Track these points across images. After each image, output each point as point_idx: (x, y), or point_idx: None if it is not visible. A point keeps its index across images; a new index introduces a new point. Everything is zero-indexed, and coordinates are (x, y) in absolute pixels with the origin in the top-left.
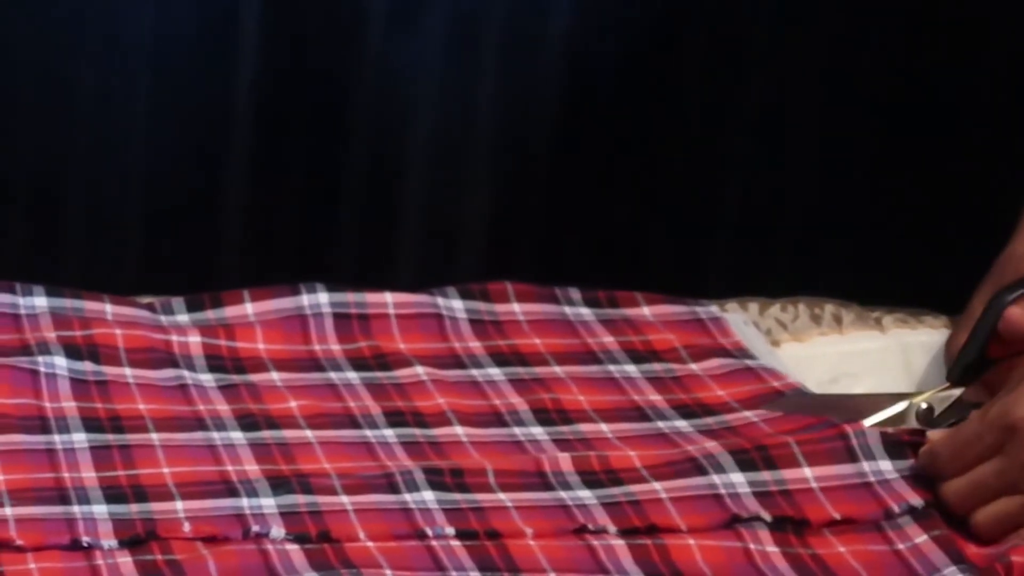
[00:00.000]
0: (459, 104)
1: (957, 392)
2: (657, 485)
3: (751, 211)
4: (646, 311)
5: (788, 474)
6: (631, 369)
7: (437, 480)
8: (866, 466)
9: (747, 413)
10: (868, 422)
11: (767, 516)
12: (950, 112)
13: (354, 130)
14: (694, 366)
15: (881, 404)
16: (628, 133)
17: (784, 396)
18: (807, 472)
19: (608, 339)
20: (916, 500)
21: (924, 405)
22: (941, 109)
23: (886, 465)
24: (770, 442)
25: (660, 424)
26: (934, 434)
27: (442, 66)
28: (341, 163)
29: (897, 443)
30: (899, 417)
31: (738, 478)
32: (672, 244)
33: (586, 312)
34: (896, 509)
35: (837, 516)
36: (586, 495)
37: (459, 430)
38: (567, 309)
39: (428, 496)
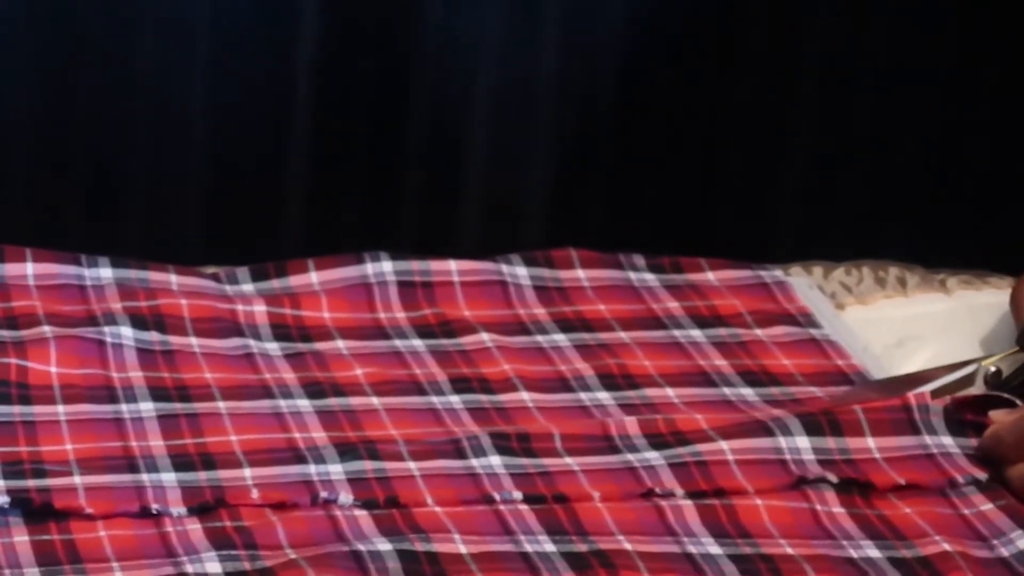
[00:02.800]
0: (520, 73)
1: None
2: (724, 444)
3: (815, 175)
4: (711, 276)
5: (852, 442)
6: (696, 334)
7: (504, 445)
8: (928, 439)
9: (813, 388)
10: (934, 385)
11: (833, 478)
12: (1012, 74)
13: (416, 100)
14: (759, 332)
15: (947, 370)
16: (690, 100)
17: (852, 386)
18: (870, 442)
19: (673, 304)
20: (980, 474)
21: (992, 368)
22: (1002, 73)
23: (948, 440)
24: (838, 409)
25: (726, 390)
26: (997, 415)
27: (503, 35)
28: (403, 132)
29: (959, 422)
30: (967, 380)
31: (803, 442)
32: (736, 209)
33: (651, 278)
34: (960, 480)
35: (902, 481)
36: (653, 456)
37: (525, 396)
38: (632, 275)
39: (495, 461)
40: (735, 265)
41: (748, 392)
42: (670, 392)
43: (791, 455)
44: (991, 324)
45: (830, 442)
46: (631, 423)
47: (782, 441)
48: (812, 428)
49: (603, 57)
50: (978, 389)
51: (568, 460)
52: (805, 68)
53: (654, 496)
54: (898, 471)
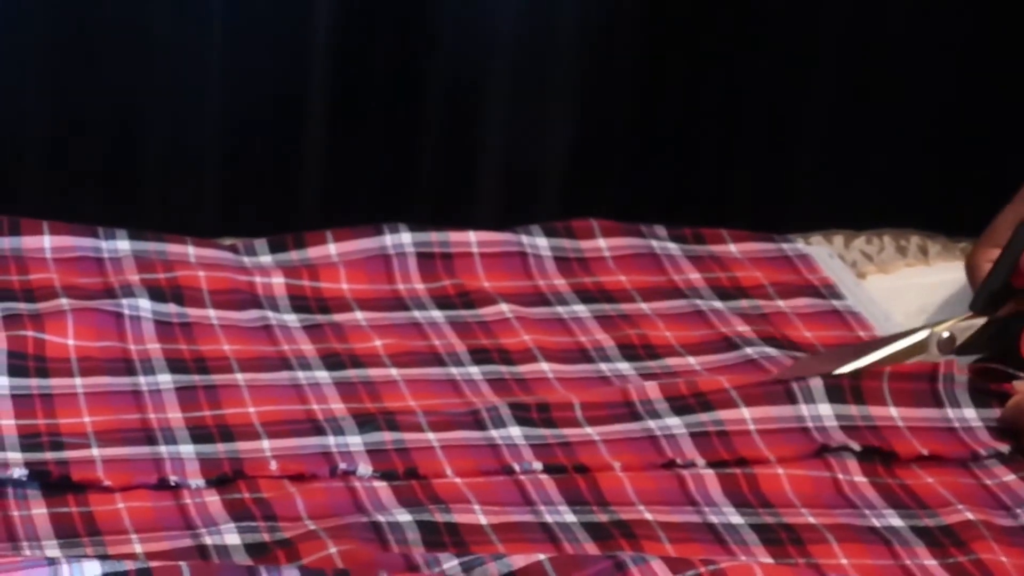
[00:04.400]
0: (539, 43)
1: (980, 321)
2: (746, 413)
3: (835, 143)
4: (732, 248)
5: (875, 411)
6: (718, 305)
7: (523, 416)
8: (950, 412)
9: None
10: (887, 351)
11: (856, 446)
12: None
13: (434, 70)
14: (781, 303)
15: (899, 337)
16: (710, 70)
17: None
18: (893, 411)
19: (695, 275)
20: (1003, 447)
21: (946, 334)
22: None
23: (971, 413)
24: (863, 377)
25: (749, 350)
26: (1021, 385)
27: (522, 6)
28: (421, 102)
29: (983, 392)
30: (919, 346)
31: (826, 409)
32: (756, 177)
33: (672, 247)
34: (983, 452)
35: (924, 452)
36: (674, 423)
37: (545, 366)
38: (654, 243)
39: (515, 432)
40: (757, 237)
41: (773, 351)
42: (691, 360)
43: (813, 423)
44: None
45: (852, 409)
46: (652, 387)
47: (804, 409)
48: (835, 395)
49: (622, 28)
50: (931, 355)
51: (588, 430)
52: (824, 37)
53: (675, 466)
54: (921, 441)
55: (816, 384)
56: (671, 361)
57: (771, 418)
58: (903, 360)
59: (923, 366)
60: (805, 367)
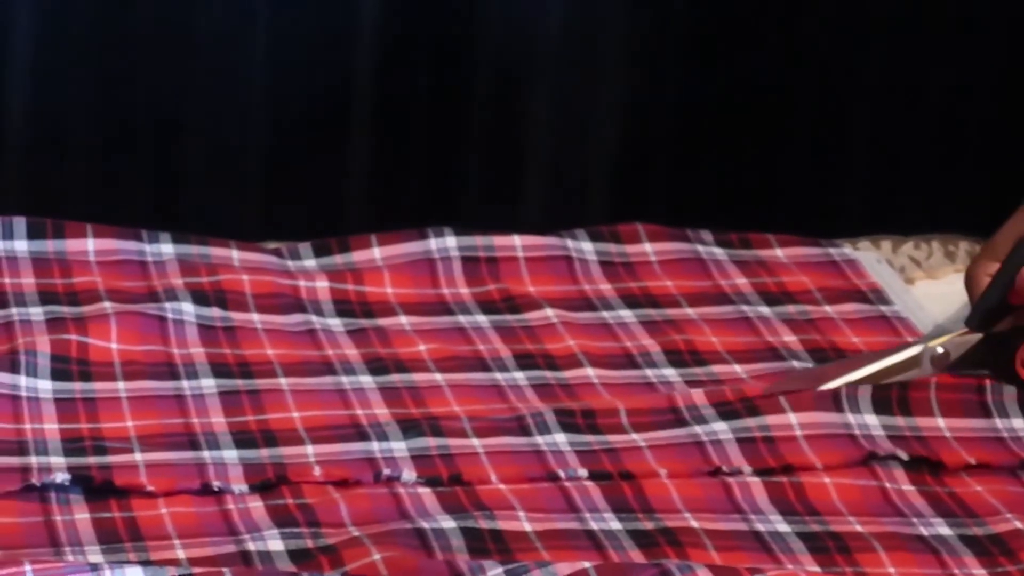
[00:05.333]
0: (585, 43)
1: (976, 337)
2: (793, 418)
3: (883, 148)
4: (779, 253)
5: (922, 421)
6: (765, 310)
7: (569, 422)
8: (999, 423)
9: None
10: (879, 365)
11: (903, 455)
12: None
13: (480, 72)
14: (829, 309)
15: (893, 351)
16: (756, 70)
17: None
18: (940, 422)
19: (741, 280)
20: None
21: (940, 350)
22: None
23: (1020, 423)
24: (909, 388)
25: (795, 364)
26: None
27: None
28: (467, 105)
29: None
30: (913, 361)
31: (872, 420)
32: (803, 181)
33: (719, 252)
34: None
35: (972, 460)
36: (721, 428)
37: (590, 372)
38: (700, 248)
39: (560, 438)
40: (804, 242)
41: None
42: (737, 368)
43: (860, 431)
44: None
45: (899, 420)
46: (697, 394)
47: (850, 417)
48: (881, 406)
49: (670, 28)
50: (923, 371)
51: (634, 436)
52: (873, 37)
53: (722, 473)
54: (968, 451)
55: (863, 394)
56: (717, 368)
57: (818, 424)
58: (895, 375)
59: (970, 379)
60: (793, 381)
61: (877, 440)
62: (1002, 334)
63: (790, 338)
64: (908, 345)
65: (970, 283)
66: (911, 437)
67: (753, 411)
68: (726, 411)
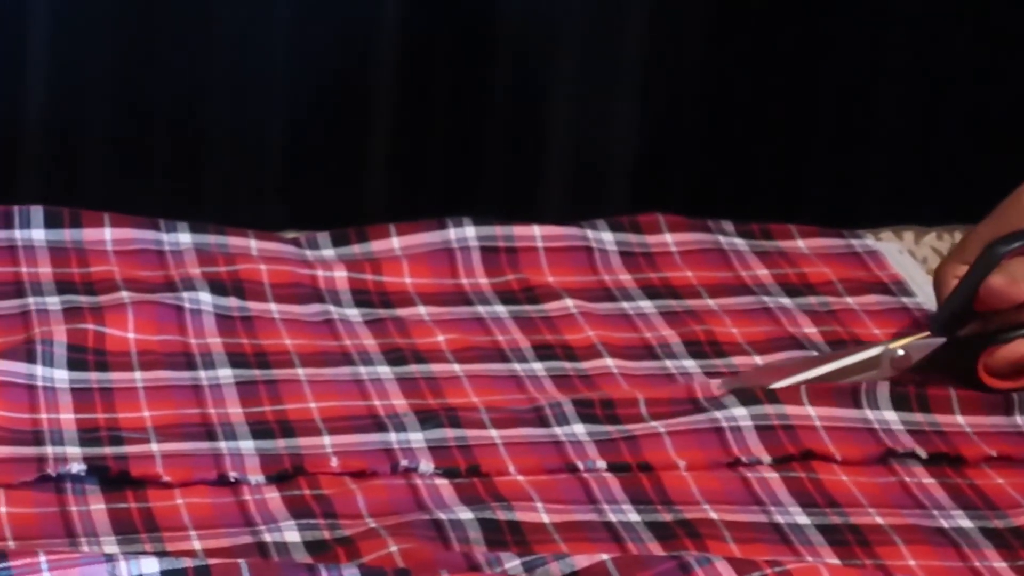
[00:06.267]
0: (606, 34)
1: (938, 341)
2: (811, 410)
3: (906, 138)
4: (801, 244)
5: (941, 418)
6: (786, 302)
7: (587, 412)
8: (1019, 419)
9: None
10: (837, 364)
11: (923, 453)
12: None
13: (499, 62)
14: (850, 300)
15: (851, 351)
16: (779, 61)
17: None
18: (960, 419)
19: (762, 271)
20: None
21: (901, 352)
22: None
23: None
24: (928, 386)
25: (815, 355)
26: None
27: None
28: (486, 95)
29: None
30: (871, 362)
31: (891, 416)
32: (825, 172)
33: (740, 242)
34: None
35: (993, 453)
36: (740, 413)
37: (609, 362)
38: (721, 238)
39: (579, 429)
40: (826, 232)
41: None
42: (758, 360)
43: (880, 425)
44: None
45: (918, 416)
46: (716, 384)
47: (869, 413)
48: (900, 402)
49: (689, 21)
50: (883, 372)
51: (654, 423)
52: (896, 26)
53: (740, 465)
54: (989, 445)
55: (882, 390)
56: (737, 360)
57: (837, 417)
58: (853, 375)
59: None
60: (749, 377)
61: (897, 435)
62: (965, 339)
63: (811, 329)
64: (868, 345)
65: (937, 284)
66: (931, 432)
67: (772, 397)
68: (745, 398)
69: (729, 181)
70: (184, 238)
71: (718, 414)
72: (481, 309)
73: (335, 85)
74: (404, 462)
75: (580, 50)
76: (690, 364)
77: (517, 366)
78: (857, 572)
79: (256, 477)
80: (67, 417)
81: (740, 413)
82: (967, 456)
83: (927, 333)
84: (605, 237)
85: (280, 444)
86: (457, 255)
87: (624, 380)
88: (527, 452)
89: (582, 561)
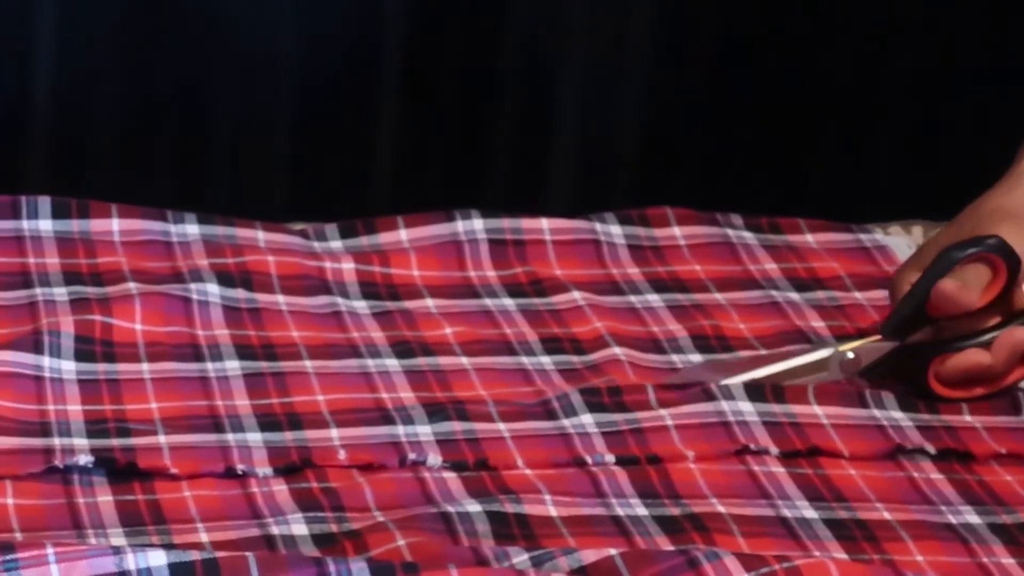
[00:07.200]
0: (613, 26)
1: (889, 346)
2: (818, 409)
3: (914, 131)
4: (809, 238)
5: (949, 417)
6: (794, 296)
7: (594, 400)
8: None
9: None
10: (785, 365)
11: (931, 449)
12: None
13: (507, 54)
14: (859, 295)
15: (800, 353)
16: (786, 53)
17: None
18: (968, 418)
19: (771, 266)
20: None
21: (850, 355)
22: None
23: None
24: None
25: (764, 354)
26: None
27: None
28: (494, 88)
29: None
30: (820, 364)
31: (899, 414)
32: (834, 165)
33: (749, 236)
34: None
35: (1002, 450)
36: (747, 408)
37: (617, 351)
38: (730, 231)
39: (586, 419)
40: (834, 227)
41: (850, 354)
42: (764, 353)
43: (888, 422)
44: None
45: (925, 415)
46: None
47: (876, 412)
48: (907, 403)
49: (695, 12)
50: (832, 375)
51: (661, 412)
52: (905, 20)
53: (747, 455)
54: (998, 442)
55: (887, 392)
56: (744, 354)
57: (844, 415)
58: (801, 377)
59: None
60: (695, 373)
61: (906, 431)
62: (916, 345)
63: (818, 324)
64: (818, 347)
65: (893, 289)
66: (940, 428)
67: (779, 395)
68: (752, 392)
69: (737, 174)
70: (192, 229)
71: (725, 405)
72: (489, 302)
73: (342, 76)
74: (412, 455)
75: (587, 42)
76: (697, 359)
77: (525, 359)
78: (865, 567)
79: (264, 469)
80: (74, 408)
81: (747, 408)
82: (976, 452)
83: (878, 336)
84: (613, 230)
85: (288, 436)
86: (465, 248)
87: (631, 369)
88: (535, 445)
89: (590, 556)
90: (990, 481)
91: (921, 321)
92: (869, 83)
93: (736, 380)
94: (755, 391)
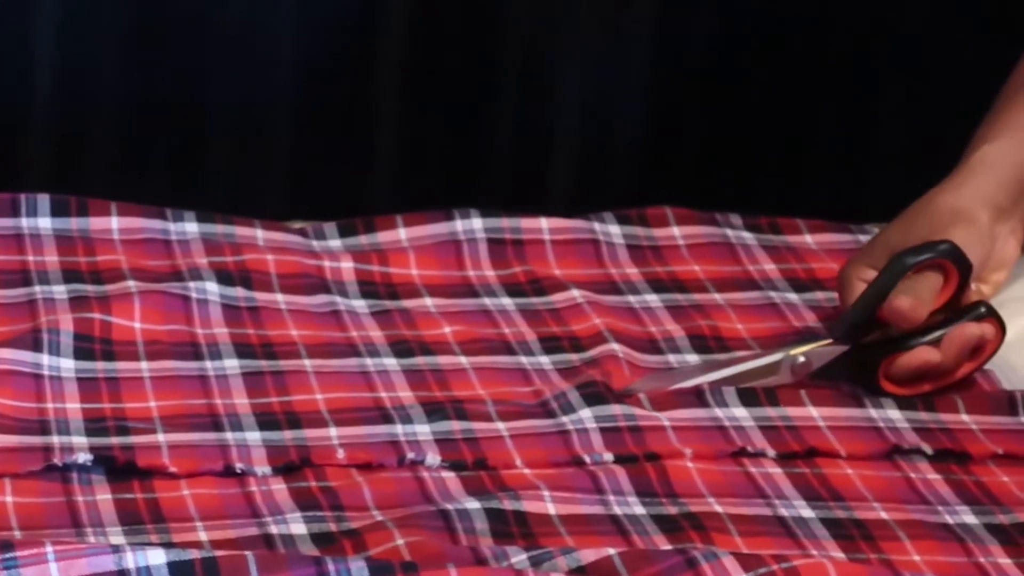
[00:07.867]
0: (614, 26)
1: (840, 348)
2: (814, 411)
3: (913, 131)
4: (808, 238)
5: (946, 417)
6: (792, 297)
7: (592, 392)
8: None
9: None
10: (736, 369)
11: (928, 449)
12: None
13: (507, 53)
14: None
15: (751, 357)
16: (785, 51)
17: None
18: (966, 417)
19: (770, 266)
20: None
21: (801, 359)
22: None
23: None
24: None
25: (715, 359)
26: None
27: None
28: (493, 87)
29: None
30: (771, 368)
31: (896, 414)
32: (833, 165)
33: (748, 236)
34: None
35: (999, 451)
36: (742, 414)
37: (616, 347)
38: (729, 232)
39: (585, 414)
40: (833, 227)
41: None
42: (720, 358)
43: (884, 423)
44: None
45: (923, 415)
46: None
47: (873, 412)
48: (905, 402)
49: (696, 11)
50: (782, 378)
51: (658, 413)
52: (905, 16)
53: (745, 456)
54: (995, 443)
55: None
56: (741, 355)
57: (840, 416)
58: (752, 380)
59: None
60: (652, 380)
61: (902, 432)
62: (866, 346)
63: (817, 325)
64: (769, 351)
65: (842, 285)
66: (936, 429)
67: (773, 399)
68: (747, 397)
69: (736, 173)
70: (191, 228)
71: (719, 411)
72: (487, 301)
73: (341, 74)
74: (411, 454)
75: (586, 40)
76: (693, 359)
77: (523, 358)
78: (862, 567)
79: (262, 468)
80: (73, 407)
81: (741, 413)
82: (973, 453)
83: (829, 340)
84: (612, 230)
85: (286, 435)
86: (464, 247)
87: (627, 366)
88: (534, 444)
89: (589, 556)
90: (987, 481)
91: (872, 325)
92: (869, 83)
93: (690, 383)
94: (748, 396)
